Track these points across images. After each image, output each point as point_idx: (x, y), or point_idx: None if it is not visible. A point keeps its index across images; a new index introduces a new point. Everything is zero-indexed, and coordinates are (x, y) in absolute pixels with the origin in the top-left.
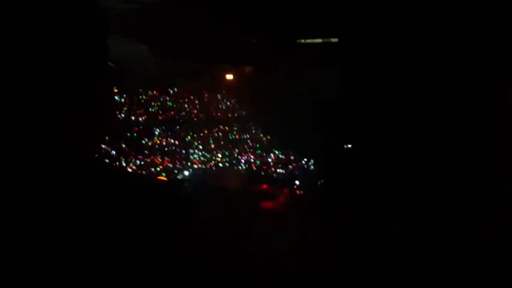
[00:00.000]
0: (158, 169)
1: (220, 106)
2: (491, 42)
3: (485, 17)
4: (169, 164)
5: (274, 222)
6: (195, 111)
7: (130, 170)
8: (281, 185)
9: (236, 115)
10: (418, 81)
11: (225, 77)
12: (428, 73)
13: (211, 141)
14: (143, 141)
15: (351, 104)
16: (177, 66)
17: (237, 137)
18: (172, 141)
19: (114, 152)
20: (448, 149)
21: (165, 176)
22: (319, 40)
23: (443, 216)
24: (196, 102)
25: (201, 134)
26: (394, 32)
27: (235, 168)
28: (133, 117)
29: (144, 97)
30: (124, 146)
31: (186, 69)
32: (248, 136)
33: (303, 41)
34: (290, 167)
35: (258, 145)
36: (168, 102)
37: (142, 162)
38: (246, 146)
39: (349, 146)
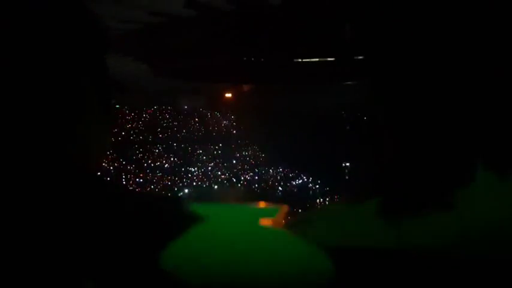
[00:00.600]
0: (156, 188)
1: (219, 124)
2: None
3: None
4: (168, 182)
5: (273, 240)
6: (195, 129)
7: (129, 188)
8: (280, 201)
9: (235, 132)
10: (417, 97)
11: (224, 95)
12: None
13: (211, 159)
14: (142, 159)
15: (350, 120)
16: (177, 84)
17: (236, 154)
18: (171, 159)
19: (113, 170)
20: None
21: (165, 194)
22: (316, 59)
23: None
24: (196, 120)
25: (201, 152)
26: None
27: (235, 185)
28: (132, 135)
29: (143, 115)
30: (123, 163)
31: (185, 87)
32: (247, 153)
33: (300, 60)
34: (289, 183)
35: (257, 162)
36: (167, 120)
37: (141, 180)
38: (245, 163)
39: (347, 164)
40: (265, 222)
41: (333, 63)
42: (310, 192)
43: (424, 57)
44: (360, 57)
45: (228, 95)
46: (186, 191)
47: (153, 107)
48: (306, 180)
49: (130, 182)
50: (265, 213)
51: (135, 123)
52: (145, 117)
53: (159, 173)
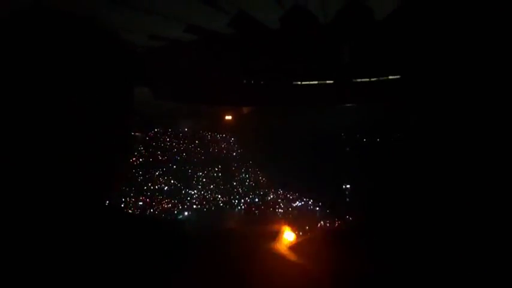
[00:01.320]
0: (157, 211)
1: (219, 146)
2: None
3: None
4: (169, 205)
5: (273, 263)
6: (195, 152)
7: (130, 210)
8: (281, 224)
9: (235, 154)
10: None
11: (224, 117)
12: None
13: (211, 181)
14: (143, 182)
15: (349, 141)
16: (177, 107)
17: (236, 176)
18: (172, 181)
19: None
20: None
21: (165, 217)
22: (315, 82)
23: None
24: (196, 142)
25: (201, 174)
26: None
27: (235, 208)
28: (133, 158)
29: (144, 137)
30: (124, 186)
31: (185, 110)
32: (247, 176)
33: (299, 82)
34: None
35: (257, 184)
36: (167, 143)
37: (141, 203)
38: (245, 186)
39: (348, 186)
40: (266, 245)
41: (331, 85)
42: (311, 214)
43: (425, 80)
44: (359, 79)
45: (228, 117)
46: (186, 213)
47: (154, 130)
48: (306, 202)
49: (131, 204)
50: (267, 236)
51: (135, 146)
52: (146, 139)
53: (159, 195)
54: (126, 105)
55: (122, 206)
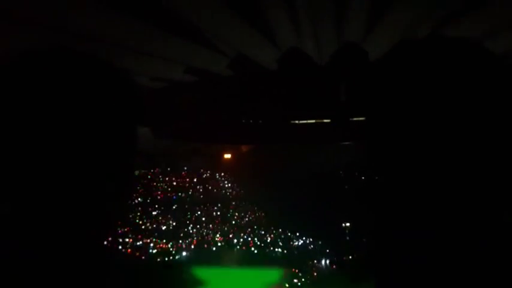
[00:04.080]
0: (155, 251)
1: (218, 184)
2: None
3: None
4: (167, 245)
5: None
6: (194, 191)
7: (127, 251)
8: (281, 263)
9: (234, 193)
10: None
11: (223, 156)
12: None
13: (209, 220)
14: (140, 222)
15: (347, 179)
16: (176, 145)
17: (236, 215)
18: (170, 221)
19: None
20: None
21: (163, 259)
22: (313, 121)
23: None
24: (195, 181)
25: (200, 213)
26: (386, 113)
27: (234, 247)
28: (132, 197)
29: (142, 177)
30: (122, 226)
31: (184, 149)
32: (246, 215)
33: (296, 121)
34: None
35: (256, 223)
36: (166, 182)
37: (139, 243)
38: (244, 224)
39: (347, 224)
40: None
41: (329, 124)
42: (311, 253)
43: (421, 119)
44: (356, 118)
45: (227, 155)
46: (185, 253)
47: (152, 169)
48: (306, 241)
49: (129, 245)
50: (267, 276)
51: (134, 185)
52: (145, 178)
53: (157, 235)
54: (132, 144)
55: (120, 246)
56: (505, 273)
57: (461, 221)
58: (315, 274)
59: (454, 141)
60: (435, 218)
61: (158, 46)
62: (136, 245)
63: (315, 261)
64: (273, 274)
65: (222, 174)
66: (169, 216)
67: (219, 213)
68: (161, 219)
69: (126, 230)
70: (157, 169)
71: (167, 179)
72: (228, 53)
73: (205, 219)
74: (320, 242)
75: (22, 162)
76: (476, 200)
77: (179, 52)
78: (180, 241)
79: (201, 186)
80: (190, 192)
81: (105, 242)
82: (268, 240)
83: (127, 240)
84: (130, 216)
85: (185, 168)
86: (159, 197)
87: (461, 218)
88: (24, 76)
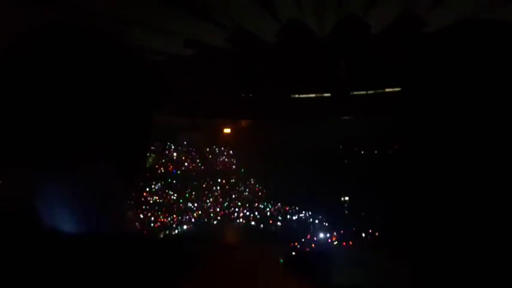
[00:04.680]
0: (156, 224)
1: (218, 159)
2: None
3: None
4: (167, 219)
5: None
6: (194, 165)
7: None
8: (280, 237)
9: (234, 168)
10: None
11: (223, 131)
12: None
13: (210, 196)
14: (141, 196)
15: (347, 154)
16: (176, 121)
17: (236, 190)
18: (170, 195)
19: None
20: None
21: (164, 233)
22: (313, 95)
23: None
24: (195, 155)
25: (199, 187)
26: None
27: (234, 221)
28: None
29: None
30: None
31: (184, 123)
32: (246, 189)
33: (297, 95)
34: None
35: (255, 197)
36: (166, 156)
37: (140, 216)
38: (244, 199)
39: (346, 198)
40: (267, 262)
41: (329, 98)
42: (310, 227)
43: (423, 91)
44: (356, 92)
45: (227, 130)
46: (185, 227)
47: (153, 143)
48: (305, 215)
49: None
50: (266, 253)
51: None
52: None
53: (157, 209)
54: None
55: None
56: None
57: (464, 200)
58: (314, 247)
59: (460, 115)
60: (437, 196)
61: (157, 19)
62: (137, 219)
63: (315, 235)
64: (273, 252)
65: (222, 148)
66: (168, 190)
67: (218, 187)
68: (161, 193)
69: (125, 204)
70: (156, 143)
71: (166, 153)
72: (228, 26)
73: (205, 193)
74: (320, 216)
75: (30, 143)
76: (481, 174)
77: (178, 25)
78: (180, 215)
79: (200, 161)
80: (189, 167)
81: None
82: (268, 214)
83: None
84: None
85: (184, 142)
86: (158, 171)
87: (464, 196)
88: (29, 54)
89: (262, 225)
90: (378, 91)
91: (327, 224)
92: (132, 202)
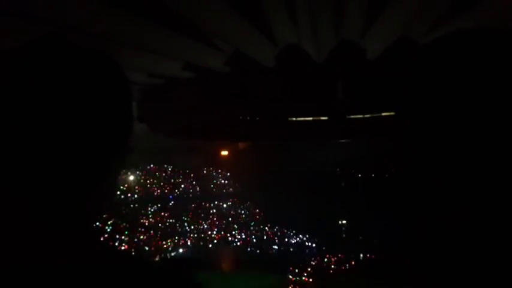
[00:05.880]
0: (152, 248)
1: (215, 182)
2: None
3: None
4: (164, 241)
5: None
6: (191, 187)
7: (123, 247)
8: (277, 261)
9: (231, 190)
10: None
11: (220, 153)
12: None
13: (206, 217)
14: (138, 218)
15: (344, 177)
16: (174, 142)
17: (232, 212)
18: (166, 219)
19: (108, 229)
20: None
21: (160, 258)
22: (310, 118)
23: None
24: (192, 177)
25: (196, 210)
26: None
27: (230, 244)
28: (128, 194)
29: (140, 173)
30: (118, 223)
31: (182, 145)
32: (243, 212)
33: (294, 118)
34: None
35: (253, 220)
36: (163, 178)
37: (136, 240)
38: (240, 221)
39: (344, 222)
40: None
41: (326, 122)
42: (307, 250)
43: (418, 116)
44: (353, 116)
45: (224, 152)
46: (181, 250)
47: (150, 166)
48: (302, 238)
49: (125, 242)
50: (266, 283)
51: (131, 182)
52: (142, 175)
53: (154, 232)
54: (125, 139)
55: (117, 243)
56: None
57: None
58: (312, 271)
59: (455, 140)
60: (433, 217)
61: (157, 42)
62: (133, 242)
63: (312, 259)
64: (275, 281)
65: (219, 171)
66: (165, 213)
67: (215, 210)
68: (158, 216)
69: (122, 226)
70: (154, 166)
71: (164, 175)
72: (227, 50)
73: (202, 216)
74: (317, 240)
75: (16, 156)
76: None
77: (178, 48)
78: (177, 238)
79: (198, 183)
80: (187, 189)
81: (101, 239)
82: (265, 238)
83: (123, 237)
84: (126, 212)
85: (182, 165)
86: (155, 194)
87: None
88: (20, 69)
89: (258, 251)
90: (375, 115)
91: (324, 248)
92: (128, 224)
